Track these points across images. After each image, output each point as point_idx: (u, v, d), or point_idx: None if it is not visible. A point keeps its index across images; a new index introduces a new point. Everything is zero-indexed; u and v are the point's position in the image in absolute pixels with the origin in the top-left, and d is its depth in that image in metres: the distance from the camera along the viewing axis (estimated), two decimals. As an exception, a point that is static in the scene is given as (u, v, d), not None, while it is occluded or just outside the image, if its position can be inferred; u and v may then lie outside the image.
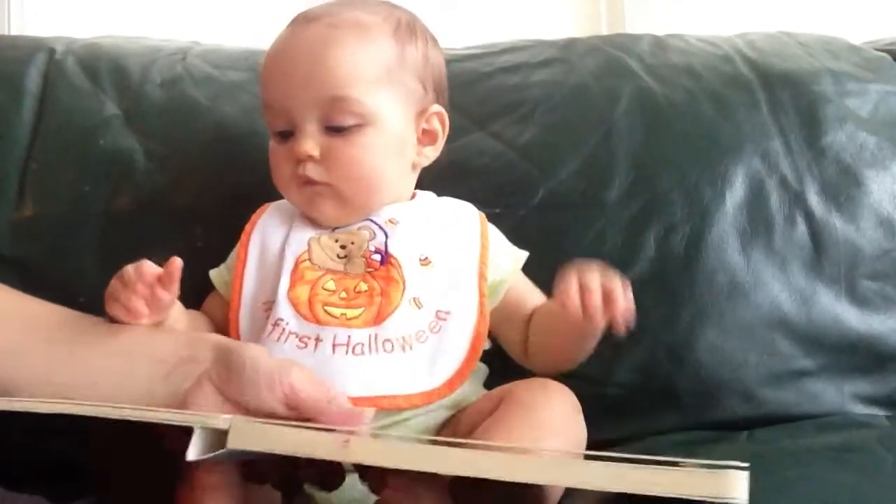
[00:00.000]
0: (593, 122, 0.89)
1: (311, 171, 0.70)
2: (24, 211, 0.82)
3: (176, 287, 0.60)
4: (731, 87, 0.92)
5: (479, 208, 0.78)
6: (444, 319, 0.69)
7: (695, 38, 1.01)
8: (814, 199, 0.87)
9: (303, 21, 0.73)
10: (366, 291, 0.68)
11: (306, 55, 0.70)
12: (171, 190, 0.84)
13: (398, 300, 0.68)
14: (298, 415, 0.53)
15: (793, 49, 0.98)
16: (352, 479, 0.64)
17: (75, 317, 0.63)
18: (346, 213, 0.72)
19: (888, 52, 0.99)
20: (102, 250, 0.81)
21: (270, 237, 0.73)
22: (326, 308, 0.67)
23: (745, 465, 0.41)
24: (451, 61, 0.89)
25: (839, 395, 0.83)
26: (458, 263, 0.72)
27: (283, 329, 0.66)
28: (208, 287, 0.75)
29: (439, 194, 0.79)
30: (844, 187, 0.88)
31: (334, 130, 0.70)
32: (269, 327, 0.67)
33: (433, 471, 0.44)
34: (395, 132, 0.72)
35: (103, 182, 0.84)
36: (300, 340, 0.66)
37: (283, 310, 0.67)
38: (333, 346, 0.65)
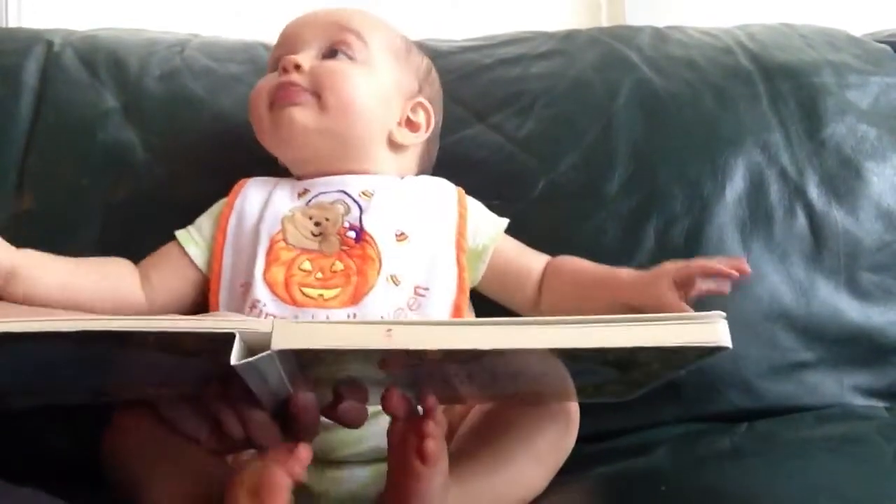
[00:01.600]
0: (593, 115, 0.89)
1: (296, 77, 0.72)
2: (23, 204, 0.82)
3: None
4: (732, 80, 0.92)
5: (479, 200, 0.78)
6: (423, 295, 0.69)
7: (695, 29, 1.00)
8: (814, 192, 0.87)
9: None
10: (342, 271, 0.68)
11: (334, 8, 0.77)
12: (170, 182, 0.84)
13: (374, 278, 0.68)
14: None
15: (793, 41, 0.98)
16: (350, 473, 0.65)
17: None
18: (317, 128, 0.72)
19: (889, 43, 0.99)
20: (101, 242, 0.81)
21: (245, 215, 0.73)
22: (303, 289, 0.67)
23: (723, 314, 0.45)
24: (452, 53, 0.90)
25: (839, 386, 0.83)
26: (434, 237, 0.72)
27: (261, 311, 0.66)
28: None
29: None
30: (844, 179, 0.88)
31: (332, 56, 0.73)
32: (247, 309, 0.67)
33: (472, 347, 0.45)
34: (382, 88, 0.75)
35: (102, 175, 0.84)
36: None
37: (260, 291, 0.67)
38: None
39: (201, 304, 0.73)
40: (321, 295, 0.67)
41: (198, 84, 0.89)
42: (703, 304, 0.82)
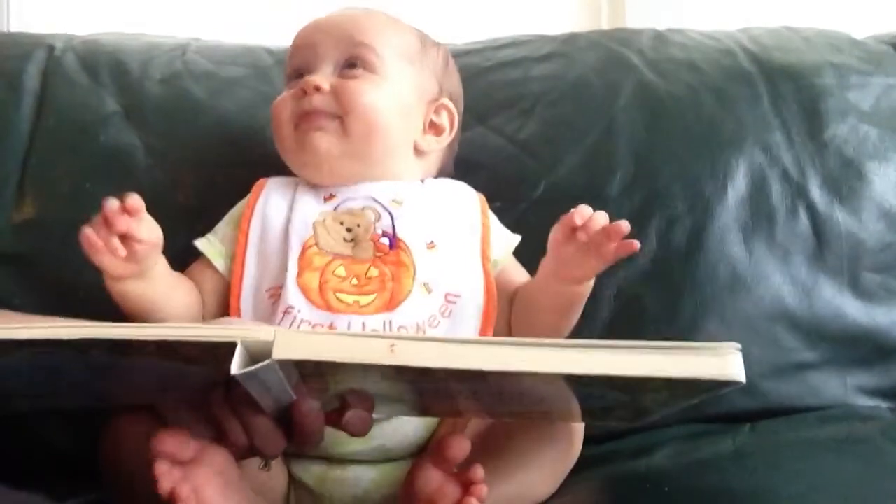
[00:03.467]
0: (594, 117, 0.89)
1: (318, 101, 0.71)
2: (24, 208, 0.82)
3: (146, 226, 0.61)
4: (733, 81, 0.92)
5: (480, 202, 0.78)
6: (454, 303, 0.68)
7: (696, 32, 1.00)
8: (816, 192, 0.87)
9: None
10: (377, 277, 0.68)
11: (344, 14, 0.76)
12: (171, 186, 0.84)
13: (410, 285, 0.67)
14: None
15: (795, 43, 0.98)
16: (355, 475, 0.65)
17: None
18: (342, 153, 0.71)
19: (891, 45, 0.99)
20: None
21: (270, 220, 0.72)
22: (338, 295, 0.67)
23: (737, 345, 0.43)
24: (453, 56, 0.89)
25: (842, 387, 0.83)
26: (462, 245, 0.72)
27: (295, 317, 0.65)
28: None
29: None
30: (846, 180, 0.88)
31: (349, 69, 0.73)
32: (280, 315, 0.66)
33: (477, 368, 0.44)
34: (403, 99, 0.74)
35: (103, 178, 0.84)
36: (313, 328, 0.65)
37: (294, 297, 0.66)
38: None
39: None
40: (357, 301, 0.66)
41: (199, 87, 0.90)
42: (703, 300, 0.82)
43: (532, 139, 0.88)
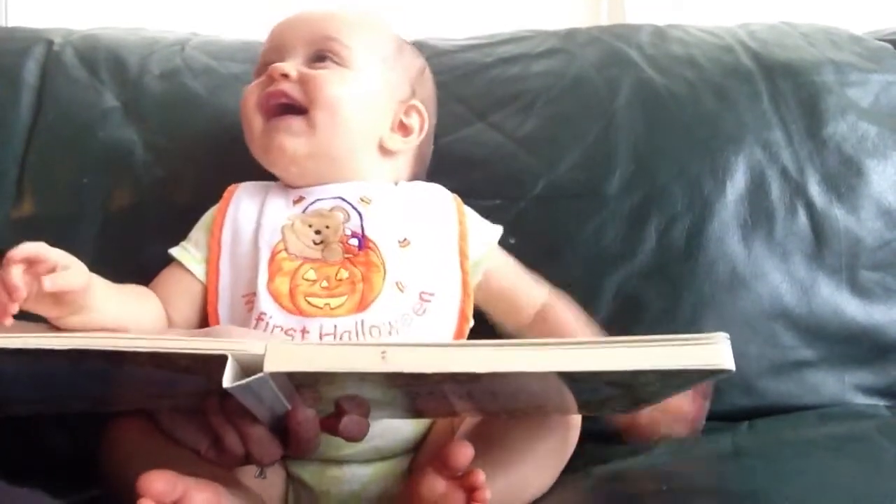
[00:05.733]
0: (594, 114, 0.89)
1: (284, 85, 0.71)
2: (22, 204, 0.82)
3: (71, 275, 0.56)
4: (732, 78, 0.92)
5: (479, 200, 0.78)
6: (429, 301, 0.68)
7: (696, 28, 1.00)
8: (815, 190, 0.87)
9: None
10: (347, 279, 0.67)
11: (317, 11, 0.76)
12: (170, 181, 0.84)
13: (381, 285, 0.67)
14: None
15: (794, 39, 0.98)
16: (351, 473, 0.65)
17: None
18: (309, 153, 0.71)
19: (890, 42, 0.99)
20: (101, 242, 0.81)
21: (241, 225, 0.72)
22: (308, 299, 0.66)
23: (726, 335, 0.44)
24: (452, 52, 0.89)
25: (840, 385, 0.83)
26: (437, 242, 0.72)
27: (268, 323, 0.65)
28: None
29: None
30: (845, 178, 0.88)
31: (318, 61, 0.73)
32: (254, 321, 0.66)
33: (469, 370, 0.45)
34: (370, 93, 0.74)
35: (102, 174, 0.84)
36: (286, 333, 0.65)
37: (265, 303, 0.66)
38: (321, 335, 0.65)
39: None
40: (328, 304, 0.66)
41: (198, 83, 0.89)
42: (701, 298, 0.82)
43: (531, 136, 0.88)
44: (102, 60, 0.90)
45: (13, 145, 0.84)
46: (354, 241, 0.69)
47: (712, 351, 0.45)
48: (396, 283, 0.68)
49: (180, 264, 0.71)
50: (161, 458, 0.53)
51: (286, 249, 0.69)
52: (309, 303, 0.66)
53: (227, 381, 0.44)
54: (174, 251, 0.73)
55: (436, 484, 0.55)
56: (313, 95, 0.71)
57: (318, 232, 0.70)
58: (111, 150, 0.85)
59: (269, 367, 0.45)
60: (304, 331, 0.65)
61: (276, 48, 0.75)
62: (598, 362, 0.45)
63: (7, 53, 0.89)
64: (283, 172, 0.74)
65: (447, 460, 0.54)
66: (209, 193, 0.81)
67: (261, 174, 0.77)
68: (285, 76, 0.71)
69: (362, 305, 0.66)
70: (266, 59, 0.76)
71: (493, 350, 0.45)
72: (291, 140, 0.71)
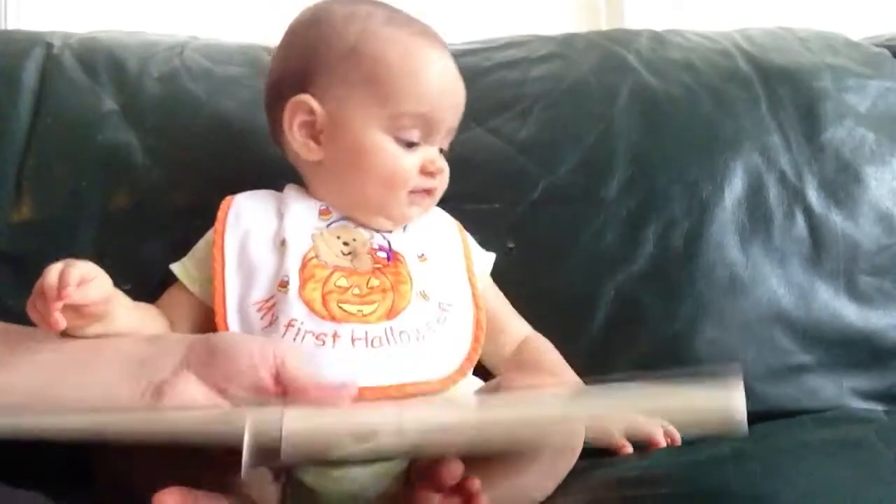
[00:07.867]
0: (592, 118, 0.89)
1: (436, 182, 0.74)
2: (21, 207, 0.82)
3: (93, 290, 0.57)
4: (730, 83, 0.92)
5: (478, 204, 0.79)
6: (447, 310, 0.70)
7: (694, 33, 1.01)
8: (813, 195, 0.87)
9: (439, 43, 0.76)
10: (378, 286, 0.69)
11: (459, 81, 0.76)
12: (169, 184, 0.84)
13: (409, 295, 0.69)
14: (283, 390, 0.54)
15: (792, 45, 0.98)
16: (353, 473, 0.65)
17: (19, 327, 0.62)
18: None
19: (887, 47, 1.00)
20: (100, 245, 0.80)
21: (251, 232, 0.72)
22: (342, 305, 0.67)
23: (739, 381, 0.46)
24: (451, 57, 0.89)
25: (838, 389, 0.84)
26: (448, 259, 0.75)
27: (298, 329, 0.66)
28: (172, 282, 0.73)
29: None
30: (843, 183, 0.88)
31: (446, 146, 0.76)
32: (282, 329, 0.66)
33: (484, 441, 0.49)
34: None
35: (101, 177, 0.83)
36: (317, 338, 0.66)
37: (296, 310, 0.66)
38: (352, 339, 0.66)
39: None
40: (360, 311, 0.67)
41: (197, 86, 0.89)
42: (700, 302, 0.82)
43: (530, 140, 0.88)
44: (101, 63, 0.90)
45: (12, 148, 0.84)
46: (383, 254, 0.72)
47: (730, 416, 0.47)
48: (422, 293, 0.70)
49: (182, 286, 0.72)
50: (162, 458, 0.53)
51: (317, 256, 0.70)
52: (342, 308, 0.67)
53: (247, 464, 0.47)
54: (175, 269, 0.73)
55: (431, 500, 0.56)
56: (439, 189, 0.75)
57: (346, 243, 0.72)
58: (110, 152, 0.84)
59: (287, 453, 0.48)
60: (335, 335, 0.66)
61: (432, 126, 0.73)
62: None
63: (6, 56, 0.89)
64: (373, 220, 0.74)
65: (436, 479, 0.55)
66: (207, 196, 0.81)
67: (258, 177, 0.77)
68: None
69: (392, 313, 0.68)
70: (420, 124, 0.73)
71: (504, 409, 0.50)
72: (417, 210, 0.75)
